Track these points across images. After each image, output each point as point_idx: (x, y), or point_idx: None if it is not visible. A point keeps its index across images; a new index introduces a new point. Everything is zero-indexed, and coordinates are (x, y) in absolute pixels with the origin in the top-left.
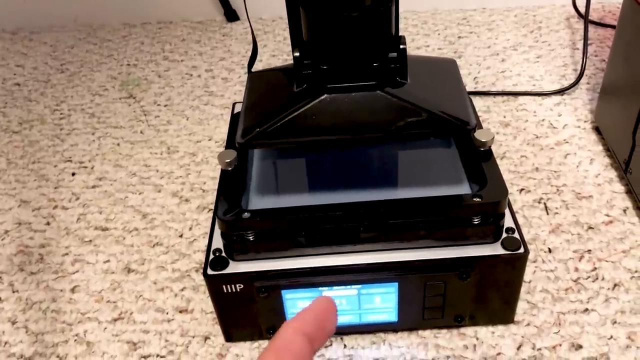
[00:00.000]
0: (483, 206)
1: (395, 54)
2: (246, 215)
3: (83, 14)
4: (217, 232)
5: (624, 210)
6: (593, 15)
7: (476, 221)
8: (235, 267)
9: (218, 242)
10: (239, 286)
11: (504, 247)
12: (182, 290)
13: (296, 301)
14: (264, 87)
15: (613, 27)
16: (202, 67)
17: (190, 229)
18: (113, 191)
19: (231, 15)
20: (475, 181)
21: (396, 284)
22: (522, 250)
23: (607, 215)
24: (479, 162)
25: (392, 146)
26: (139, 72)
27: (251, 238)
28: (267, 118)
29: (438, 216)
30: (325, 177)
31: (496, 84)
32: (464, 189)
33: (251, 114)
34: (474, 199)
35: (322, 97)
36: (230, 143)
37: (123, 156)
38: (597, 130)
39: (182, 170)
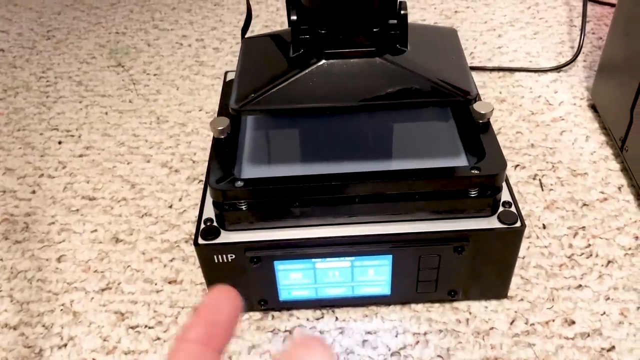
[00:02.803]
0: (481, 178)
1: (395, 21)
2: (239, 183)
3: None
4: (209, 201)
5: (619, 188)
6: None
7: (473, 194)
8: (227, 236)
9: (209, 212)
10: (231, 256)
11: (501, 221)
12: (171, 261)
13: (288, 272)
14: (259, 52)
15: (611, 5)
16: (192, 36)
17: (180, 199)
18: (101, 160)
19: None
20: (473, 153)
21: (390, 256)
22: (518, 224)
23: (602, 193)
24: (477, 134)
25: (388, 117)
26: (127, 40)
27: (244, 207)
28: (263, 84)
29: (435, 188)
30: (319, 148)
31: (492, 60)
32: (461, 161)
33: (246, 80)
34: (472, 171)
35: (320, 63)
36: (222, 111)
37: (111, 125)
38: (593, 108)
39: (172, 140)
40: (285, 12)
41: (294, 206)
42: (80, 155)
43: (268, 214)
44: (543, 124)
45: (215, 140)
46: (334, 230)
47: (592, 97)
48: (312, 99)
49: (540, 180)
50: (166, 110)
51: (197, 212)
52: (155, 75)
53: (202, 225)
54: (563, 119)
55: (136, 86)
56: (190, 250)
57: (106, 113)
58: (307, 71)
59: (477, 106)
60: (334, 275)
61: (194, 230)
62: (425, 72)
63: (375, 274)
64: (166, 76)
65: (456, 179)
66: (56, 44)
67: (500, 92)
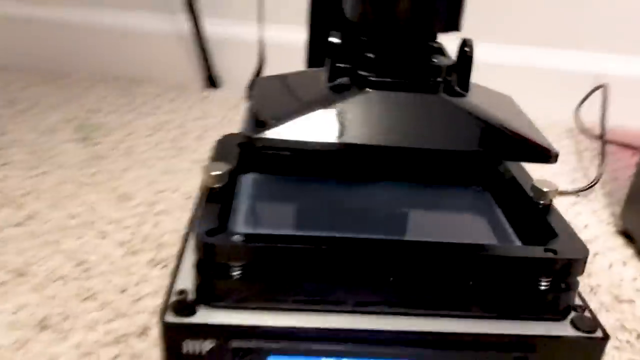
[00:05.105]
0: (557, 264)
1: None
2: (238, 238)
3: (45, 59)
4: (186, 268)
5: None
6: (595, 130)
7: (544, 285)
8: (207, 316)
9: (185, 282)
10: (209, 344)
11: (576, 327)
12: (115, 358)
13: None
14: (278, 87)
15: (627, 146)
16: (174, 122)
17: (137, 284)
18: (42, 232)
19: (212, 81)
20: (533, 239)
21: None
22: (599, 333)
23: None
24: (539, 218)
25: (416, 196)
26: (100, 118)
27: (237, 273)
28: (290, 111)
29: (496, 272)
30: (336, 220)
31: None
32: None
33: (266, 109)
34: (546, 253)
35: (366, 92)
36: (217, 158)
37: (64, 197)
38: (623, 234)
39: (135, 219)
40: None
41: (307, 279)
42: (17, 224)
43: (269, 288)
44: None
45: (205, 192)
46: (358, 321)
47: (623, 222)
48: (355, 135)
49: None
50: (133, 188)
51: (155, 301)
52: (126, 153)
53: (174, 298)
54: (591, 242)
55: (102, 161)
56: (143, 347)
57: (60, 184)
58: (348, 100)
59: (537, 183)
60: None
61: (148, 323)
62: (497, 121)
63: None
64: (138, 155)
65: (526, 262)
66: (18, 112)
67: None
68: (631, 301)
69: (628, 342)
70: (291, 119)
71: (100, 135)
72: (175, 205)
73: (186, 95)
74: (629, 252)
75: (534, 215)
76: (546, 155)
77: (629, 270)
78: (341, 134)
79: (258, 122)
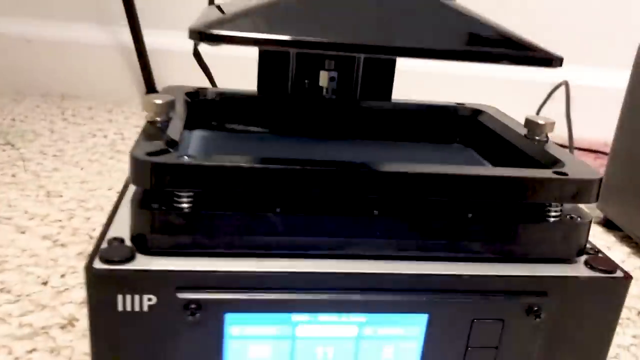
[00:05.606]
0: (569, 186)
1: None
2: (187, 160)
3: None
4: (121, 216)
5: None
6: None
7: (554, 214)
8: (148, 261)
9: (121, 230)
10: (149, 299)
11: (592, 268)
12: (30, 352)
13: (246, 343)
14: (232, 3)
15: (593, 151)
16: (110, 130)
17: (63, 276)
18: None
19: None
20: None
21: (425, 317)
22: (620, 273)
23: None
24: (539, 150)
25: (391, 152)
26: (26, 126)
27: (186, 205)
28: (251, 10)
29: (500, 203)
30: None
31: None
32: None
33: (221, 13)
34: (556, 175)
35: None
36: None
37: None
38: (602, 225)
39: (64, 214)
40: None
41: (273, 213)
42: None
43: (226, 225)
44: None
45: (147, 125)
46: (334, 264)
47: (602, 211)
48: (330, 32)
49: None
50: (62, 186)
51: (84, 293)
52: (54, 156)
53: (105, 245)
54: None
55: (25, 162)
56: (66, 339)
57: None
58: None
59: (531, 117)
60: (325, 355)
61: (75, 313)
62: (493, 25)
63: (396, 353)
64: (69, 158)
65: (533, 185)
66: None
67: None
68: None
69: (629, 319)
70: (252, 15)
71: (26, 141)
72: (109, 202)
73: (124, 107)
74: (611, 238)
75: (532, 151)
76: (548, 59)
77: (616, 254)
78: (312, 31)
79: (212, 21)
